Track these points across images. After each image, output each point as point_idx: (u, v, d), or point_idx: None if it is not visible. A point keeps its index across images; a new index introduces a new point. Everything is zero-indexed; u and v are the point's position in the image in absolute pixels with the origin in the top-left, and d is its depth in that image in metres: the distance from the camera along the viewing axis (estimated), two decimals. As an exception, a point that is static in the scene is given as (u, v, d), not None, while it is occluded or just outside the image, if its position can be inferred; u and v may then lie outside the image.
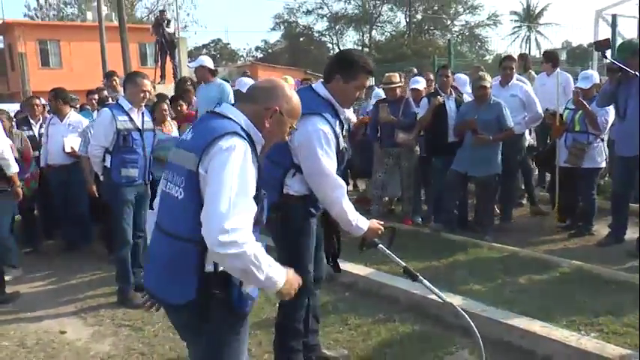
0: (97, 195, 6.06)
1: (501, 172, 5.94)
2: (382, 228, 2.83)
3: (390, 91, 6.39)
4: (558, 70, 7.04)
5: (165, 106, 6.08)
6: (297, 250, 3.02)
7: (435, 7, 41.71)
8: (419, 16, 42.46)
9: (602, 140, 5.98)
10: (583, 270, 4.66)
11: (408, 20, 42.38)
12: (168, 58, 14.25)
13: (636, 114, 5.11)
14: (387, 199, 7.18)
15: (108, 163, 4.69)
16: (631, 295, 4.10)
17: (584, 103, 5.67)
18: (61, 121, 6.33)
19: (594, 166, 5.91)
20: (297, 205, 2.96)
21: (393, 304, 4.24)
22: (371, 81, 4.48)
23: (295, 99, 2.20)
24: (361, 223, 2.78)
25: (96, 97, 7.97)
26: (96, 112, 7.03)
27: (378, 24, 43.59)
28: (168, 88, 11.83)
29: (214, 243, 1.84)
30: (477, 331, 2.59)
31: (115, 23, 19.06)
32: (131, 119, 4.70)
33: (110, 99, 6.37)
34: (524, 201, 7.33)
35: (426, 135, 6.41)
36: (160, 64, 14.19)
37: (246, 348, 2.19)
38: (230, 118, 2.06)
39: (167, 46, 13.72)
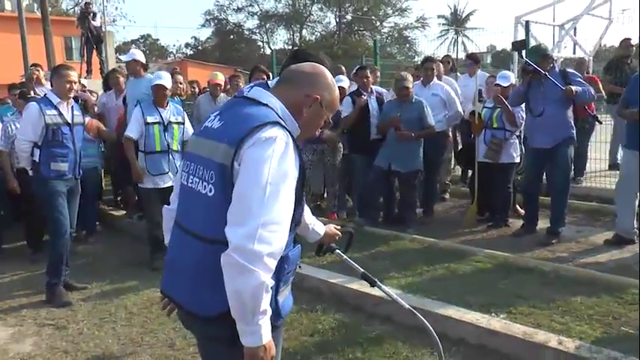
0: (18, 192, 5.89)
1: (423, 168, 6.23)
2: (339, 233, 2.70)
3: None
4: (478, 71, 7.42)
5: None
6: None
7: (365, 9, 42.40)
8: (349, 17, 43.05)
9: (517, 137, 6.38)
10: (496, 258, 4.95)
11: (337, 21, 42.91)
12: (94, 52, 13.84)
13: (547, 111, 5.49)
14: (312, 195, 7.32)
15: (37, 157, 4.60)
16: (537, 280, 4.45)
17: (504, 100, 6.02)
18: None
19: (510, 161, 6.27)
20: None
21: (315, 296, 4.35)
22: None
23: (336, 91, 1.97)
24: (318, 227, 2.60)
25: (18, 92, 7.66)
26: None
27: (309, 23, 43.89)
28: (95, 83, 11.52)
29: (237, 246, 1.59)
30: (435, 335, 2.61)
31: (38, 14, 18.28)
32: (60, 113, 4.61)
33: (32, 93, 6.14)
34: (447, 196, 7.67)
35: (349, 133, 6.54)
36: (86, 58, 13.77)
37: (279, 354, 1.99)
38: (265, 105, 1.81)
39: (93, 40, 13.31)
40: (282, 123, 1.75)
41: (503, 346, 3.33)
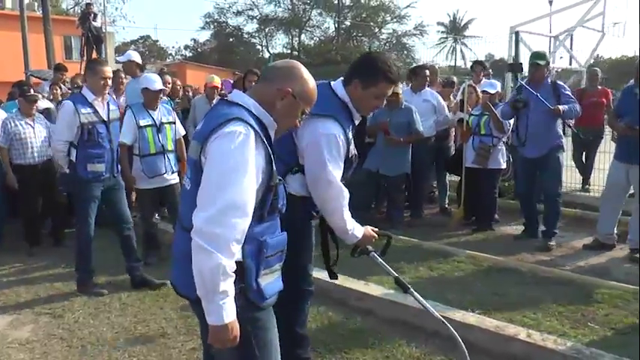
0: (16, 187, 6.06)
1: (412, 172, 6.44)
2: (376, 236, 2.73)
3: None
4: (466, 81, 7.65)
5: None
6: (296, 252, 2.67)
7: (364, 15, 42.68)
8: (347, 23, 43.31)
9: (504, 143, 6.59)
10: (477, 259, 5.17)
11: (336, 26, 43.17)
12: (94, 52, 14.02)
13: (539, 122, 5.71)
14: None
15: (73, 157, 4.58)
16: (514, 280, 4.67)
17: (491, 107, 6.25)
18: None
19: (497, 166, 6.50)
20: (298, 205, 2.69)
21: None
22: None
23: (311, 84, 2.07)
24: (357, 231, 2.67)
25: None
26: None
27: (308, 28, 44.04)
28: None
29: (196, 229, 1.78)
30: (463, 346, 2.68)
31: (38, 13, 18.47)
32: (95, 111, 4.58)
33: (32, 91, 6.29)
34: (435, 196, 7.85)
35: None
36: (86, 58, 13.94)
37: (277, 337, 2.10)
38: (237, 104, 1.97)
39: (93, 40, 13.49)
40: (245, 118, 1.89)
41: (475, 339, 3.50)
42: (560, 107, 5.58)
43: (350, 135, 2.70)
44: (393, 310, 3.98)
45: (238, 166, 1.81)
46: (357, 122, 2.80)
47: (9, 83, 8.89)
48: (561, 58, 17.46)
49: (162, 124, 5.37)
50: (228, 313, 1.80)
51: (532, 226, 6.18)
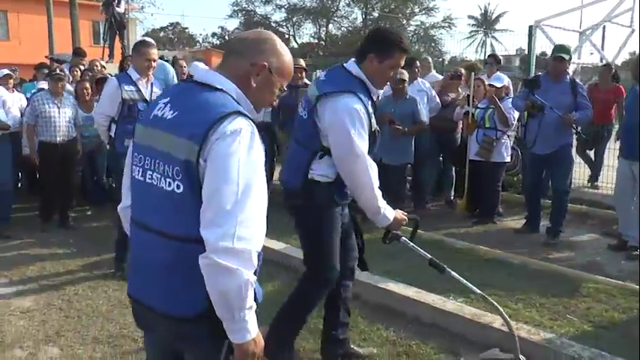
0: (36, 163, 6.29)
1: (414, 163, 6.49)
2: (406, 219, 2.70)
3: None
4: (473, 74, 7.62)
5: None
6: (318, 239, 2.85)
7: (392, 6, 42.43)
8: (375, 14, 43.11)
9: (509, 136, 6.60)
10: (472, 250, 5.23)
11: (364, 17, 43.01)
12: (117, 37, 14.27)
13: (551, 125, 5.68)
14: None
15: (113, 133, 4.71)
16: (504, 271, 4.72)
17: (497, 100, 6.27)
18: None
19: (501, 160, 6.52)
20: (322, 191, 2.77)
21: (295, 273, 4.64)
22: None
23: (287, 56, 1.85)
24: (389, 212, 2.64)
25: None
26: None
27: (335, 18, 43.99)
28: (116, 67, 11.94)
29: (216, 247, 1.53)
30: (510, 323, 2.70)
31: (67, -2, 18.86)
32: (138, 89, 4.70)
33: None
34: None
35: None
36: (108, 43, 14.22)
37: None
38: (219, 90, 1.72)
39: (116, 25, 13.73)
40: (243, 110, 1.68)
41: (453, 325, 3.60)
42: (572, 116, 5.56)
43: (370, 109, 2.75)
44: (377, 294, 4.07)
45: (250, 171, 1.60)
46: (375, 98, 2.85)
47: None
48: (592, 54, 17.16)
49: None
50: (253, 326, 1.64)
51: (534, 221, 6.19)
